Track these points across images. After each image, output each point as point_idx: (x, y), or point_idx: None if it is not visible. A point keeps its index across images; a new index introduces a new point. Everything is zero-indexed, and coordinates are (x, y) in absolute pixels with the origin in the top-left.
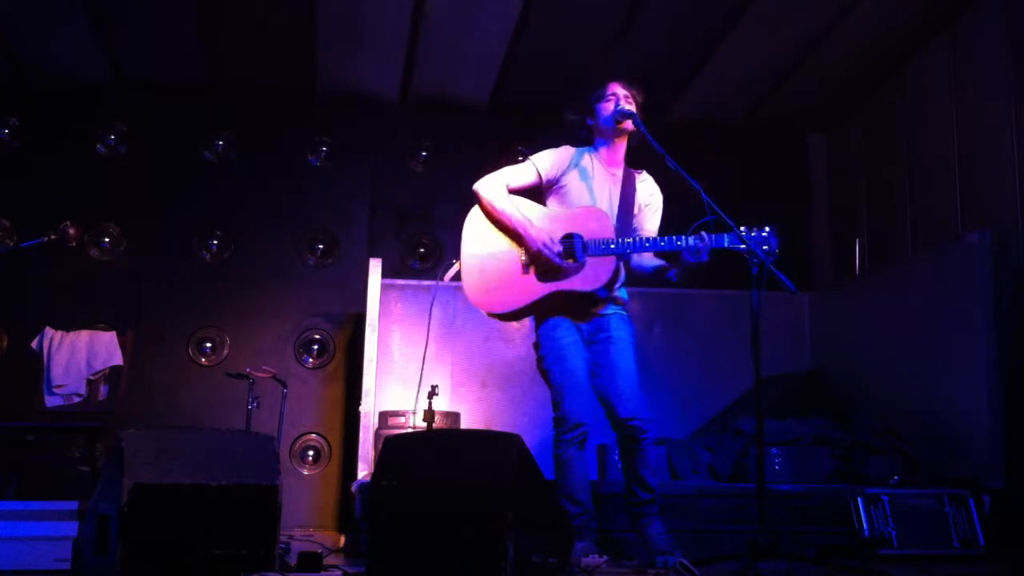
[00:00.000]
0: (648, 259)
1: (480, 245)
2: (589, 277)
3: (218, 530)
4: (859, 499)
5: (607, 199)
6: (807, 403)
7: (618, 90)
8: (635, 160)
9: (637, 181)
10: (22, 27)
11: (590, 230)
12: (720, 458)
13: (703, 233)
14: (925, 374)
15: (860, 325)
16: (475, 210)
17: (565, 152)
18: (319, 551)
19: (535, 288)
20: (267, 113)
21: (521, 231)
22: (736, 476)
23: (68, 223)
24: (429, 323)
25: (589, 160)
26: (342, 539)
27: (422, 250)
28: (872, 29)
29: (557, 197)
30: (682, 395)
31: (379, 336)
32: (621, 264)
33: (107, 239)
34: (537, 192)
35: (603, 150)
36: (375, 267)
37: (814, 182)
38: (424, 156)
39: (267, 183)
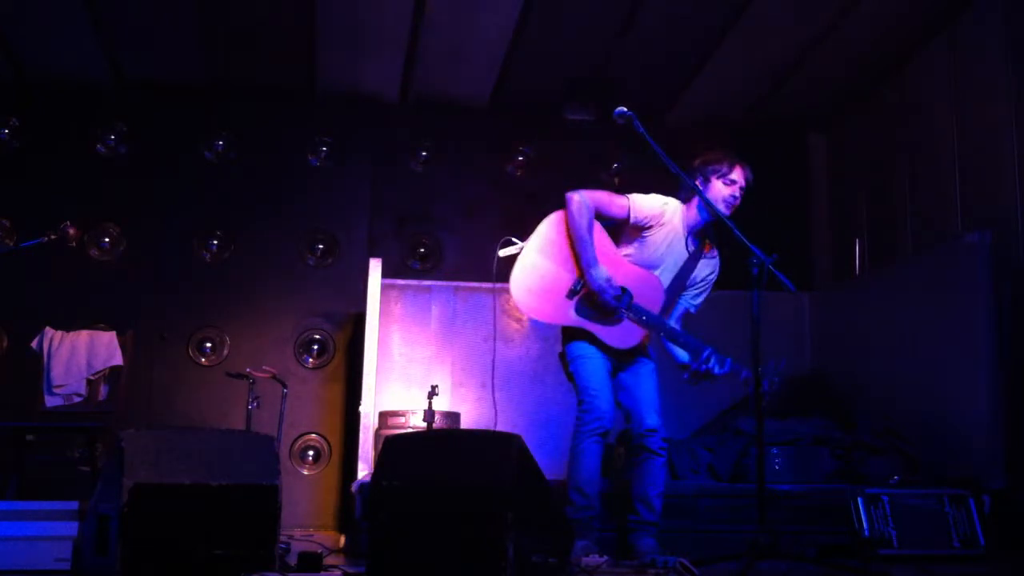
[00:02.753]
0: (681, 351)
1: (546, 249)
2: (618, 335)
3: (218, 530)
4: (859, 499)
5: (673, 265)
6: (807, 403)
7: (739, 178)
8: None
9: (703, 257)
10: (22, 27)
11: (642, 295)
12: (720, 458)
13: (728, 360)
14: (925, 374)
15: (860, 325)
16: (559, 215)
17: (663, 207)
18: (319, 551)
19: (569, 315)
20: (267, 113)
21: (584, 263)
22: (736, 476)
23: (68, 223)
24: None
25: (678, 223)
26: (342, 539)
27: (422, 250)
28: (872, 29)
29: (634, 242)
30: (682, 395)
31: (379, 336)
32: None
33: (107, 239)
34: (619, 225)
35: (692, 219)
36: (375, 267)
37: (814, 182)
38: (424, 156)
39: (267, 183)
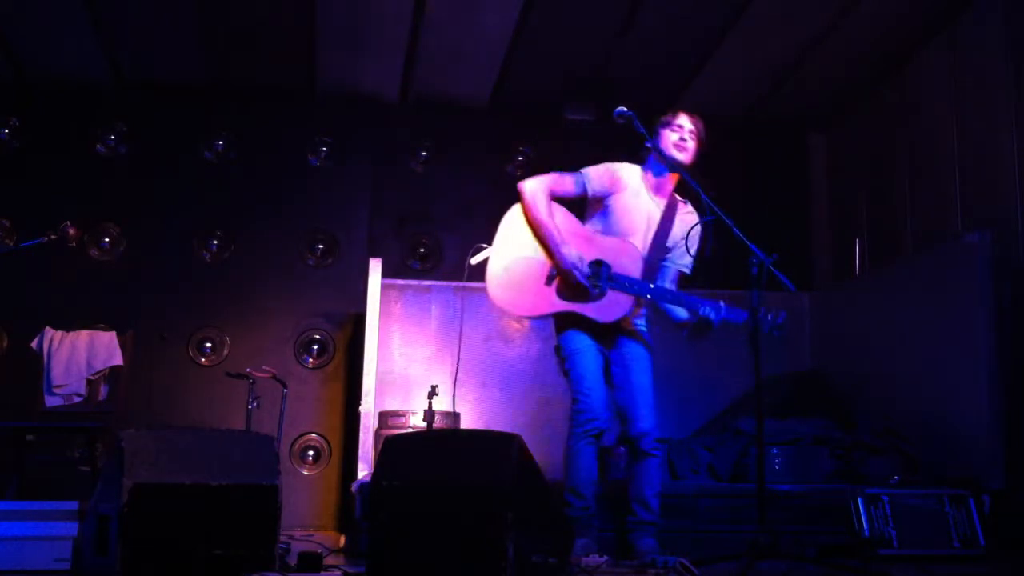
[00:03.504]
0: (679, 310)
1: (513, 243)
2: (605, 308)
3: (218, 530)
4: (859, 499)
5: (645, 228)
6: (807, 403)
7: (685, 123)
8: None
9: (679, 213)
10: (22, 27)
11: (620, 263)
12: (720, 458)
13: (721, 304)
14: (925, 374)
15: (860, 325)
16: (518, 207)
17: (617, 172)
18: (319, 551)
19: (553, 302)
20: (267, 113)
21: (552, 246)
22: (736, 476)
23: (68, 223)
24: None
25: (638, 184)
26: (342, 539)
27: (422, 250)
28: (872, 29)
29: (599, 215)
30: (682, 395)
31: (379, 336)
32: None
33: (107, 239)
34: (580, 202)
35: (653, 176)
36: (375, 267)
37: (814, 182)
38: (424, 156)
39: (267, 183)
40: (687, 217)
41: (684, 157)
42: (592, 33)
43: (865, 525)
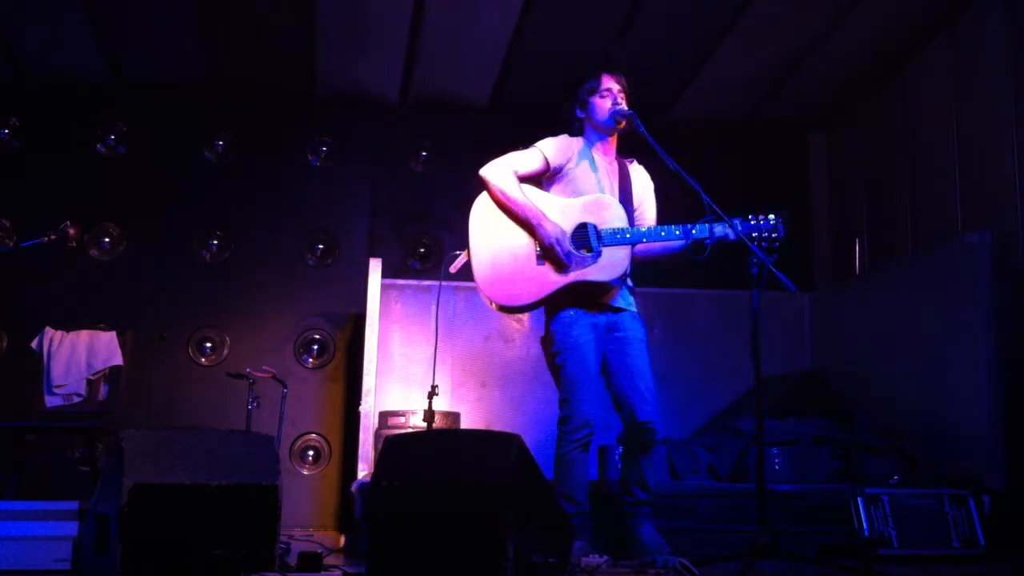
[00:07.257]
0: (654, 246)
1: (491, 235)
2: (606, 267)
3: (218, 530)
4: (859, 499)
5: (610, 190)
6: (807, 403)
7: (612, 85)
8: (631, 156)
9: (631, 171)
10: (22, 27)
11: (603, 218)
12: (720, 458)
13: (711, 225)
14: (925, 374)
15: (860, 325)
16: (482, 198)
17: (572, 141)
18: (319, 551)
19: (550, 280)
20: (267, 113)
21: (534, 223)
22: (736, 476)
23: (68, 223)
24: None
25: (589, 150)
26: (342, 539)
27: (422, 250)
28: (872, 29)
29: (560, 186)
30: (682, 395)
31: (379, 336)
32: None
33: (107, 239)
34: (539, 179)
35: (599, 142)
36: (375, 267)
37: (814, 182)
38: (424, 156)
39: (267, 183)
40: (639, 173)
41: (622, 120)
42: (592, 33)
43: (865, 525)
